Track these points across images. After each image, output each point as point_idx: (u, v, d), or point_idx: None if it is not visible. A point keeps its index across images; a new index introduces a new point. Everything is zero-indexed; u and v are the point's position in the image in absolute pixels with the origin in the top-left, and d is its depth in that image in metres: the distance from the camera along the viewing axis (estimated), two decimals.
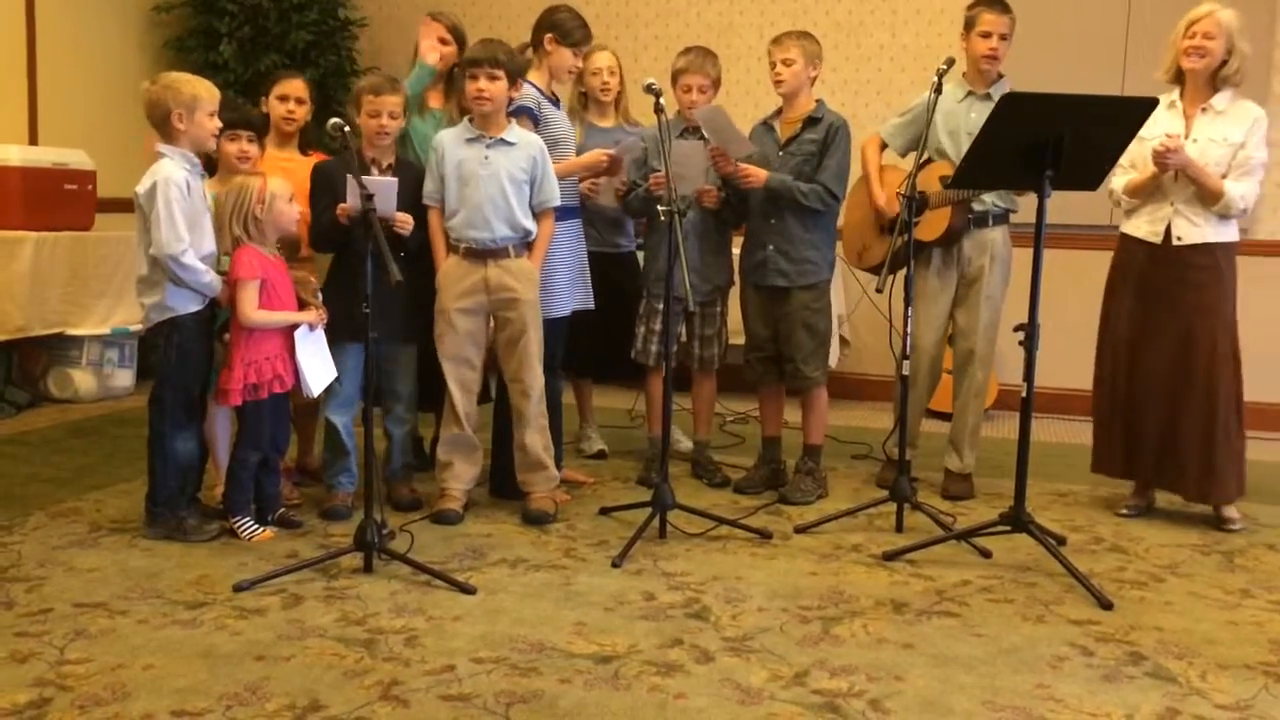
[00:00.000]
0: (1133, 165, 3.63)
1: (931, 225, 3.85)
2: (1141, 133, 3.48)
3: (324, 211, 3.39)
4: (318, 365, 3.33)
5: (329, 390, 3.47)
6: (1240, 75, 3.53)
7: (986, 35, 3.84)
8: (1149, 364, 3.62)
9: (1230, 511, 3.66)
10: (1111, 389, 3.73)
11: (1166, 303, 3.59)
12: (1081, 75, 5.04)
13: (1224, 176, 3.50)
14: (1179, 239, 3.55)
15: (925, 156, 3.91)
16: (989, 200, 3.90)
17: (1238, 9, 3.53)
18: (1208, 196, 3.50)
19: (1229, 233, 3.57)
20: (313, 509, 3.57)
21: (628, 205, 4.03)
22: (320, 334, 3.34)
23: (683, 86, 3.91)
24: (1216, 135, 3.51)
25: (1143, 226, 3.63)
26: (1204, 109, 3.55)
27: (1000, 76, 3.93)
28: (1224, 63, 3.49)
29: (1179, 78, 3.61)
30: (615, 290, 4.06)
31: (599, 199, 3.97)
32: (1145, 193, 3.62)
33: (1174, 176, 3.53)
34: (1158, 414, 3.62)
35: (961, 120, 3.89)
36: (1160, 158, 3.45)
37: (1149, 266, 3.61)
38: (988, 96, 3.85)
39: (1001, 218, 3.95)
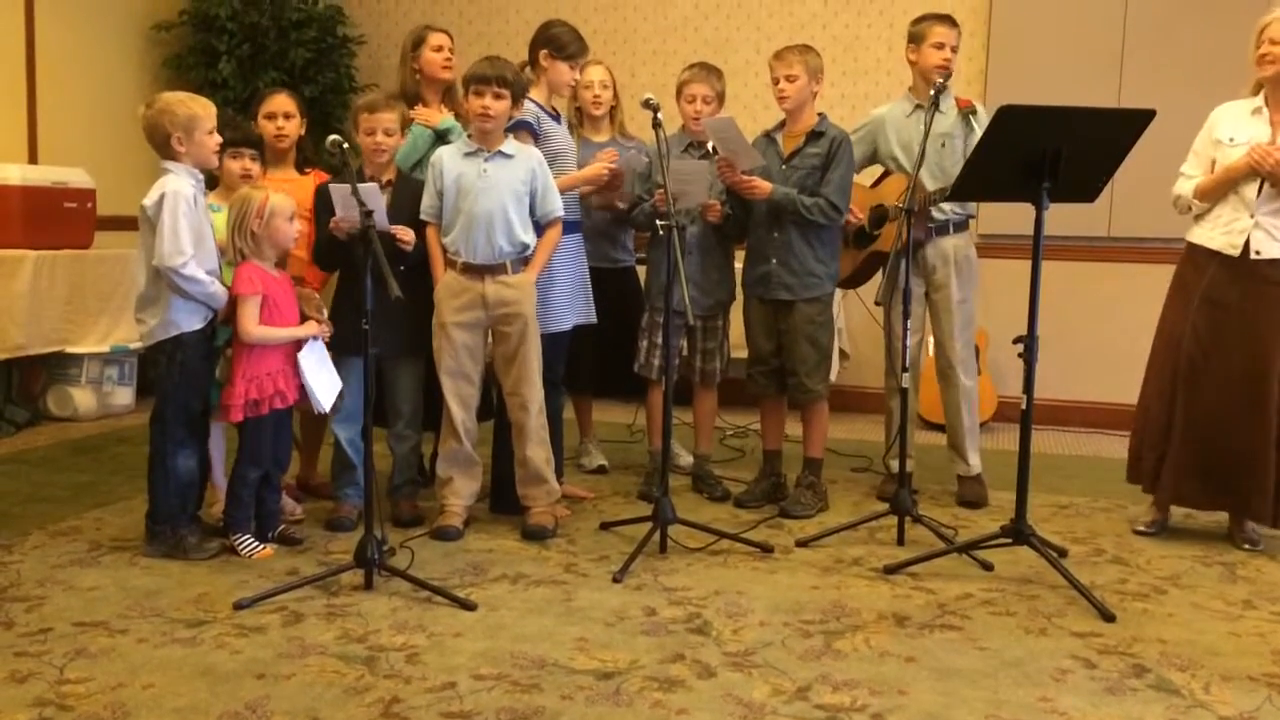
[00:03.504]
0: (1203, 171, 3.54)
1: (891, 236, 3.88)
2: (1218, 136, 3.48)
3: (324, 230, 3.40)
4: (324, 380, 3.32)
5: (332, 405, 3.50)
6: None
7: (940, 47, 3.92)
8: (1219, 381, 3.48)
9: (1249, 530, 3.57)
10: (1169, 406, 3.57)
11: (1239, 318, 3.45)
12: (1078, 87, 5.07)
13: None
14: (1258, 253, 3.42)
15: (884, 170, 4.09)
16: (947, 209, 3.96)
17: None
18: None
19: None
20: (315, 524, 3.57)
21: (632, 220, 4.05)
22: (321, 348, 3.34)
23: (687, 97, 3.93)
24: None
25: (1218, 238, 3.49)
26: None
27: (945, 87, 3.92)
28: None
29: (1261, 87, 3.51)
30: (614, 305, 4.06)
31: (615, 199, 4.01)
32: (1216, 196, 3.49)
33: (1260, 188, 3.41)
34: (1229, 434, 3.47)
35: (912, 133, 3.95)
36: (1261, 164, 3.34)
37: (1222, 279, 3.48)
38: (935, 106, 3.82)
39: (961, 225, 4.03)
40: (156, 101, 3.20)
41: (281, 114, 3.66)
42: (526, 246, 3.49)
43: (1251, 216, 3.44)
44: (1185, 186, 3.58)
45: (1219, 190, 3.49)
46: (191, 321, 3.19)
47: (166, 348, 3.20)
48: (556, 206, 3.52)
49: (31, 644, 2.61)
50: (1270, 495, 3.45)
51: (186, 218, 3.09)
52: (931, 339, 4.16)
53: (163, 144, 3.16)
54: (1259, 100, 3.49)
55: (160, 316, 3.17)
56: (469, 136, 3.51)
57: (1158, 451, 3.61)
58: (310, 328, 3.31)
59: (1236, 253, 3.45)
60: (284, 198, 3.27)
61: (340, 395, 3.43)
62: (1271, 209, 3.42)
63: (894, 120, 4.03)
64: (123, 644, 2.62)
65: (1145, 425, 3.67)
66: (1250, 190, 3.43)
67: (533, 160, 3.49)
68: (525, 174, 3.46)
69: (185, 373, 3.21)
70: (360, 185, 2.97)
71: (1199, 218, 3.57)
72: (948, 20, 3.97)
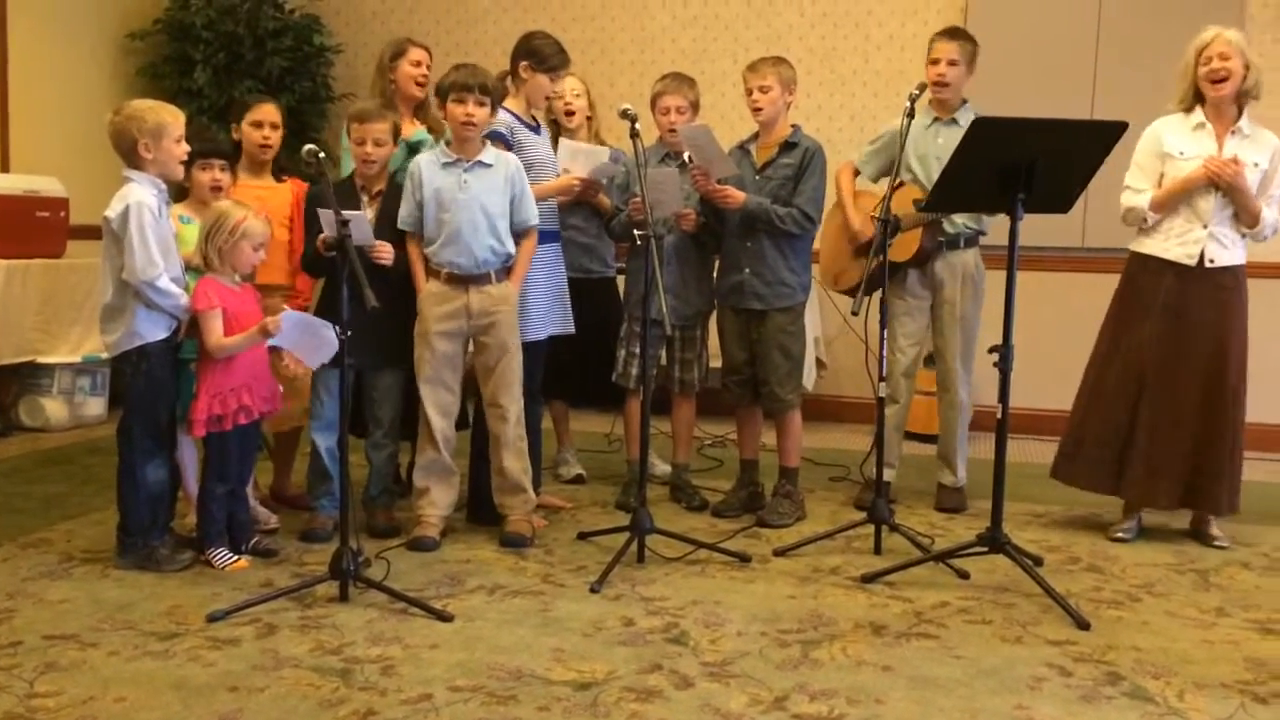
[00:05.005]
0: (1151, 185, 3.63)
1: (903, 246, 3.91)
2: (1167, 150, 3.57)
3: (311, 240, 3.37)
4: (311, 341, 3.18)
5: (312, 413, 3.52)
6: (1259, 88, 3.55)
7: (935, 62, 3.96)
8: (1183, 386, 3.59)
9: (1216, 529, 3.68)
10: (1117, 410, 3.67)
11: (1198, 325, 3.58)
12: (1051, 99, 5.11)
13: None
14: (1212, 261, 3.56)
15: (898, 180, 3.98)
16: (960, 222, 3.98)
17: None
18: (1248, 219, 3.54)
19: (1244, 255, 3.63)
20: (290, 535, 3.54)
21: (610, 230, 4.05)
22: (301, 322, 3.17)
23: (661, 109, 3.94)
24: (1247, 159, 3.52)
25: (1174, 249, 3.60)
26: (1233, 131, 3.56)
27: (964, 102, 4.01)
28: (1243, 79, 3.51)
29: (1195, 103, 3.61)
30: (594, 315, 4.06)
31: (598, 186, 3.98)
32: (1171, 209, 3.60)
33: (1212, 198, 3.54)
34: (1186, 435, 3.59)
35: (929, 145, 3.99)
36: (1219, 176, 3.47)
37: (1180, 289, 3.59)
38: (953, 121, 3.98)
39: (972, 240, 4.03)
40: (125, 108, 3.16)
41: (269, 123, 3.62)
42: (510, 256, 3.49)
43: (1205, 227, 3.56)
44: (1138, 199, 3.66)
45: (1175, 202, 3.60)
46: (155, 332, 3.16)
47: (132, 358, 3.16)
48: (531, 215, 3.52)
49: (1, 657, 2.58)
50: (1224, 485, 3.58)
51: (152, 229, 3.06)
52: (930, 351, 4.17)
53: (129, 151, 3.13)
54: (1199, 115, 3.59)
55: (125, 328, 3.13)
56: (447, 145, 3.50)
57: (1115, 453, 3.69)
58: (265, 326, 3.22)
59: (1193, 262, 3.57)
60: (261, 225, 3.23)
61: (319, 402, 3.40)
62: (1222, 218, 3.55)
63: (912, 132, 3.95)
64: (94, 657, 2.59)
65: (1087, 426, 3.76)
66: (1205, 202, 3.55)
67: (511, 167, 3.49)
68: (504, 182, 3.46)
69: (151, 383, 3.18)
70: (347, 213, 2.95)
71: (1149, 231, 3.66)
72: (946, 34, 4.01)
